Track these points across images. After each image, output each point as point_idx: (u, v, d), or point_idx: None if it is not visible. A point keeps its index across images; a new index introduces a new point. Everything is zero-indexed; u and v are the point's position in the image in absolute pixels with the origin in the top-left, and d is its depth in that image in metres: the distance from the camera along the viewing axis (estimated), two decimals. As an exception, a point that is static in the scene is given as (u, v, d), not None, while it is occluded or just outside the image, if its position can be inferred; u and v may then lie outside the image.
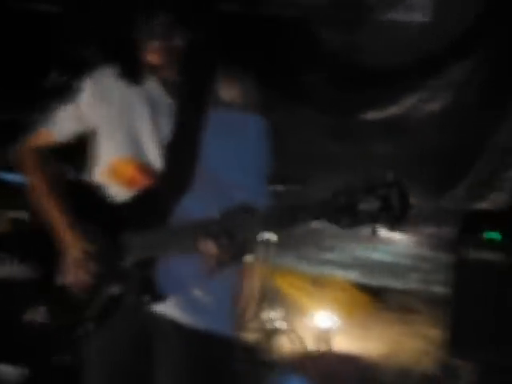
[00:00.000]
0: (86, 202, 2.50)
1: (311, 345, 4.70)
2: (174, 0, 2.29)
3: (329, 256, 5.68)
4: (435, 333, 4.98)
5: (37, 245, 2.52)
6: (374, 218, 1.98)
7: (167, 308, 2.35)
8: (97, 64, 2.44)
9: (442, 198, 4.93)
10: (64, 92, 2.38)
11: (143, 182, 2.37)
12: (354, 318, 5.12)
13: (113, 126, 2.43)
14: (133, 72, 2.38)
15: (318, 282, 5.58)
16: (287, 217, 2.11)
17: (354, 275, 5.63)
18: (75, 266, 2.40)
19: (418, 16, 4.61)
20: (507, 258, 4.12)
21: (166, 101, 2.38)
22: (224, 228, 2.17)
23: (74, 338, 2.44)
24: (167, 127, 2.38)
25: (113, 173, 2.43)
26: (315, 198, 2.05)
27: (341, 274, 5.65)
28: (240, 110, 2.38)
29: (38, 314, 2.42)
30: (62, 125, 2.52)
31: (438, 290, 5.31)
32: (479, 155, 4.80)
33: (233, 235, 2.17)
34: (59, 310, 2.44)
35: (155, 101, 2.40)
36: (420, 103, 4.82)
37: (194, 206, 2.34)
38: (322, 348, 4.71)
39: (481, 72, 4.64)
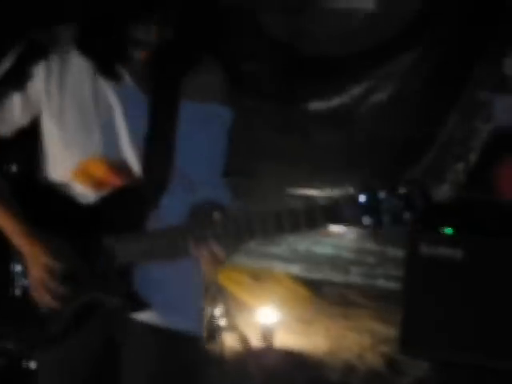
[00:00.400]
0: (45, 205, 2.28)
1: (255, 341, 4.58)
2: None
3: (269, 249, 5.57)
4: (379, 327, 4.94)
5: None
6: (397, 218, 1.89)
7: (142, 314, 2.21)
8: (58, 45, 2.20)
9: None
10: (13, 76, 2.14)
11: (116, 183, 2.19)
12: (296, 313, 5.02)
13: (80, 120, 2.21)
14: (109, 65, 2.17)
15: (257, 277, 5.47)
16: (304, 219, 1.96)
17: (295, 269, 5.54)
18: (37, 285, 2.20)
19: (363, 4, 4.55)
20: (460, 253, 4.05)
21: (140, 96, 2.20)
22: (213, 232, 2.03)
23: (36, 348, 2.31)
24: (142, 124, 2.21)
25: (80, 173, 2.22)
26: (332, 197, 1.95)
27: (282, 268, 5.56)
28: (207, 100, 2.24)
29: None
30: (6, 117, 2.26)
31: (382, 284, 5.30)
32: (426, 147, 4.76)
33: (222, 238, 2.03)
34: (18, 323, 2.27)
35: (129, 96, 2.21)
36: (365, 93, 4.76)
37: (168, 204, 2.20)
38: (266, 344, 4.60)
39: (427, 62, 4.59)
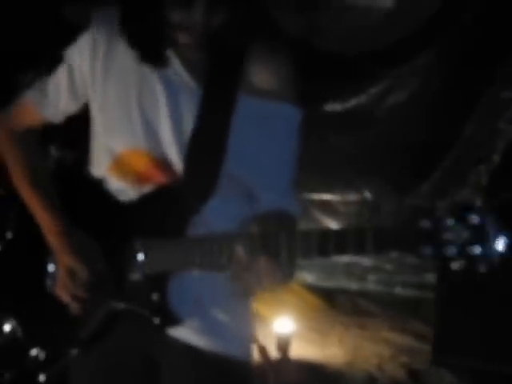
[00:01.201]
0: (83, 200, 2.11)
1: (273, 353, 4.41)
2: None
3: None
4: (396, 337, 4.77)
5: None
6: (461, 252, 1.64)
7: (181, 331, 2.01)
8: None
9: (407, 195, 4.74)
10: (57, 56, 1.94)
11: (158, 179, 2.00)
12: (312, 323, 4.87)
13: (122, 109, 2.02)
14: (155, 50, 1.95)
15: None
16: (353, 243, 1.71)
17: (310, 278, 5.38)
18: (60, 285, 2.04)
19: (382, 2, 4.39)
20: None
21: (189, 85, 1.98)
22: (266, 242, 1.77)
23: (60, 361, 2.09)
24: (190, 117, 2.00)
25: (121, 165, 2.04)
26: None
27: (297, 277, 5.38)
28: (273, 97, 1.98)
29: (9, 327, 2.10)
30: (52, 99, 2.10)
31: (399, 292, 5.15)
32: (447, 149, 4.61)
33: (278, 251, 1.77)
34: (40, 323, 2.10)
35: (176, 85, 1.99)
36: (383, 93, 4.61)
37: (216, 210, 1.99)
38: (282, 355, 4.42)
39: (447, 60, 4.44)
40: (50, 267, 2.13)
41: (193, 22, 1.87)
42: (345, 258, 5.19)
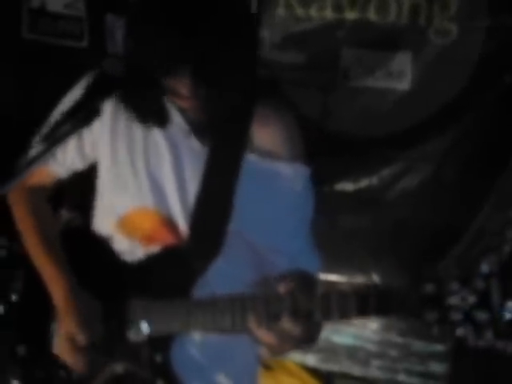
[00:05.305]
0: (89, 259, 2.14)
1: None
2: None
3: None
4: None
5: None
6: (467, 317, 1.64)
7: None
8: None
9: (414, 280, 4.55)
10: (71, 119, 1.90)
11: (164, 239, 2.01)
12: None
13: (130, 168, 2.04)
14: (159, 114, 1.98)
15: (268, 366, 5.16)
16: (355, 305, 1.72)
17: (310, 359, 5.23)
18: (59, 347, 2.07)
19: (397, 84, 4.37)
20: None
21: (192, 145, 2.02)
22: (286, 304, 1.75)
23: None
24: (193, 176, 2.03)
25: (128, 225, 2.06)
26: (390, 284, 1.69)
27: (296, 357, 5.24)
28: (279, 158, 2.02)
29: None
30: (65, 160, 2.16)
31: (403, 379, 4.98)
32: (458, 237, 4.50)
33: (300, 313, 1.76)
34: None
35: (179, 143, 2.03)
36: (395, 176, 4.55)
37: (221, 270, 2.00)
38: None
39: (462, 146, 4.39)
40: (54, 327, 2.14)
41: (183, 89, 1.89)
42: (349, 341, 5.08)
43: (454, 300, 1.63)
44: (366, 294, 1.70)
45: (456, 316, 1.62)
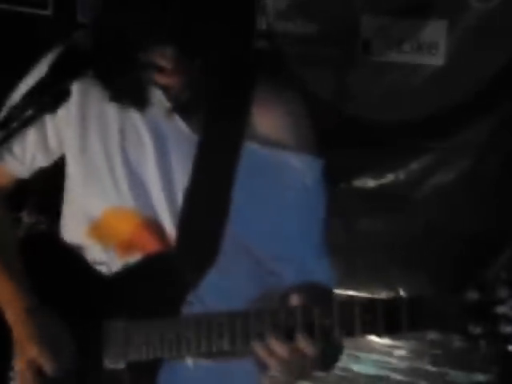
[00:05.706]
0: (55, 272, 1.96)
1: None
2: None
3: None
4: None
5: None
6: None
7: None
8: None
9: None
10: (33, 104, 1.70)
11: (147, 245, 1.89)
12: None
13: (104, 161, 1.91)
14: (137, 92, 1.84)
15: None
16: (383, 319, 1.58)
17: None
18: (25, 380, 1.92)
19: (429, 59, 3.95)
20: None
21: (181, 131, 1.88)
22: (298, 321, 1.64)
23: None
24: (182, 168, 1.90)
25: (102, 229, 1.93)
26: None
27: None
28: (284, 147, 1.87)
29: None
30: (24, 156, 2.04)
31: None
32: (503, 245, 4.02)
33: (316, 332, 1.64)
34: None
35: (163, 130, 1.88)
36: (425, 170, 4.14)
37: (215, 284, 1.85)
38: None
39: (503, 135, 3.94)
40: (13, 362, 2.01)
41: (165, 63, 1.77)
42: (371, 370, 4.63)
43: (503, 309, 1.51)
44: (395, 306, 1.60)
45: (507, 329, 1.49)
